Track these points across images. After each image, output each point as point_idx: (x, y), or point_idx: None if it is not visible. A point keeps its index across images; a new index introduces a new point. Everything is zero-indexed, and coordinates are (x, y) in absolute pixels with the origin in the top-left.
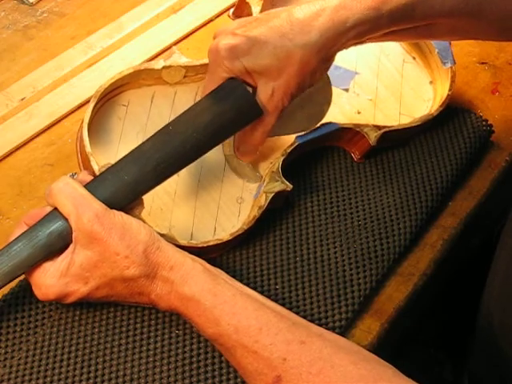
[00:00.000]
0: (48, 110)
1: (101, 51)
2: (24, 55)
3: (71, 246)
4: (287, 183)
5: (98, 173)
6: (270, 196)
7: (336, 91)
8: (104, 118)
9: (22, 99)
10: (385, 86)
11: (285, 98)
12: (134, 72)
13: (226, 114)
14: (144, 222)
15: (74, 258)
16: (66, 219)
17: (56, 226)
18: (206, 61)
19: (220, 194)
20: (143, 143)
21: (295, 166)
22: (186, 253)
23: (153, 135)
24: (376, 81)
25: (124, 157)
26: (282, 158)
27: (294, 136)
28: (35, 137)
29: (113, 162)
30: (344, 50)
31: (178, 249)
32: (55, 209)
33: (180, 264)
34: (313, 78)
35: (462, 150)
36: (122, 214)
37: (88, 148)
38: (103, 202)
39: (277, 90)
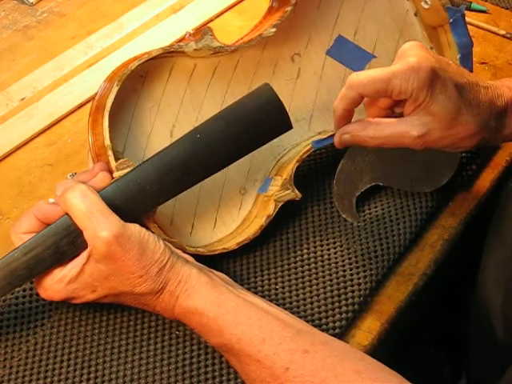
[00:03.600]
0: (48, 110)
1: (101, 51)
2: (24, 55)
3: (84, 256)
4: (297, 192)
5: (114, 169)
6: (280, 205)
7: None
8: (119, 92)
9: (22, 99)
10: None
11: (435, 143)
12: (162, 53)
13: (257, 127)
14: (155, 223)
15: (85, 268)
16: (80, 230)
17: (70, 235)
18: (237, 47)
19: (224, 181)
20: (168, 150)
21: (297, 167)
22: (193, 262)
23: (179, 141)
24: None
25: (147, 163)
26: (296, 165)
27: (310, 143)
28: (35, 137)
29: (124, 140)
30: (366, 29)
31: (184, 258)
32: (69, 215)
33: (186, 277)
34: (459, 147)
35: (463, 150)
36: (139, 229)
37: (107, 141)
38: (122, 211)
39: (432, 133)
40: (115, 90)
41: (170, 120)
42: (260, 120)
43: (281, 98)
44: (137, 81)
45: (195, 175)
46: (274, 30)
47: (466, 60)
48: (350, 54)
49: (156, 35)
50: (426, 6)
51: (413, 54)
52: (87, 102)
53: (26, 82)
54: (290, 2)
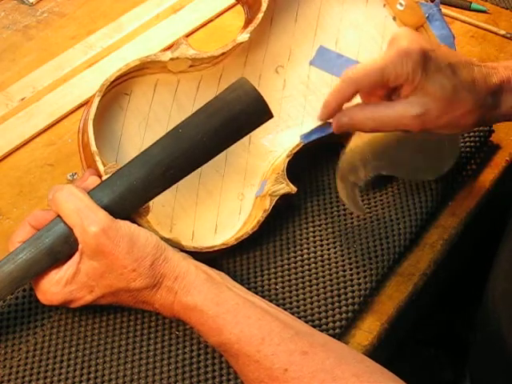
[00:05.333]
0: (48, 110)
1: (101, 51)
2: (24, 55)
3: (77, 256)
4: (292, 186)
5: (103, 173)
6: (275, 199)
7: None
8: (106, 109)
9: (22, 99)
10: None
11: (433, 122)
12: (140, 64)
13: (237, 117)
14: (149, 223)
15: (79, 268)
16: (71, 228)
17: (62, 234)
18: (213, 53)
19: (221, 189)
20: (152, 146)
21: (295, 165)
22: (191, 259)
23: (162, 138)
24: None
25: (132, 161)
26: (287, 160)
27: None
28: (35, 137)
29: (115, 155)
30: (347, 37)
31: (182, 255)
32: (60, 216)
33: (184, 273)
34: (458, 126)
35: (462, 150)
36: (130, 224)
37: (94, 147)
38: (111, 208)
39: (431, 112)
40: (97, 100)
41: (159, 135)
42: (239, 110)
43: (270, 107)
44: (123, 99)
45: (181, 168)
46: (247, 35)
47: None
48: (333, 63)
49: (156, 35)
50: (401, 8)
51: (402, 38)
52: (87, 102)
53: (26, 82)
54: (261, 9)
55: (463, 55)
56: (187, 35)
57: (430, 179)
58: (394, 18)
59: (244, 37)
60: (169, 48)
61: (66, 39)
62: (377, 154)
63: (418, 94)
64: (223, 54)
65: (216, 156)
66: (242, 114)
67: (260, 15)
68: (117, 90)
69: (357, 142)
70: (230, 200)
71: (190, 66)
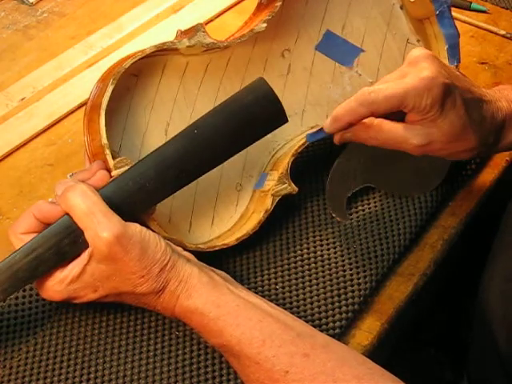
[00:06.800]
0: (48, 110)
1: (101, 51)
2: (24, 55)
3: (85, 257)
4: (294, 186)
5: (112, 167)
6: (277, 199)
7: (340, 69)
8: (113, 92)
9: (22, 99)
10: (386, 68)
11: (433, 152)
12: (156, 50)
13: (254, 122)
14: (154, 221)
15: (86, 269)
16: (81, 230)
17: (71, 235)
18: (230, 43)
19: (220, 178)
20: (166, 146)
21: (296, 165)
22: (194, 260)
23: (176, 137)
24: (378, 61)
25: (145, 160)
26: (292, 159)
27: (304, 136)
28: (35, 137)
29: (119, 139)
30: (353, 23)
31: (185, 257)
32: (69, 215)
33: (187, 277)
34: (455, 158)
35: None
36: (140, 229)
37: (104, 140)
38: (121, 209)
39: (433, 145)
40: (110, 88)
41: (164, 118)
42: (256, 114)
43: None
44: (130, 80)
45: (194, 171)
46: (264, 25)
47: (454, 51)
48: (338, 49)
49: (156, 35)
50: None
51: (426, 67)
52: (87, 101)
53: (26, 82)
54: None
55: (475, 88)
56: None
57: (417, 195)
58: (402, 7)
59: (261, 26)
60: None
61: (66, 39)
62: (367, 166)
63: (425, 125)
64: (240, 43)
65: (228, 159)
66: (259, 117)
67: (279, 4)
68: (125, 71)
69: (350, 153)
70: (227, 190)
71: (204, 51)
